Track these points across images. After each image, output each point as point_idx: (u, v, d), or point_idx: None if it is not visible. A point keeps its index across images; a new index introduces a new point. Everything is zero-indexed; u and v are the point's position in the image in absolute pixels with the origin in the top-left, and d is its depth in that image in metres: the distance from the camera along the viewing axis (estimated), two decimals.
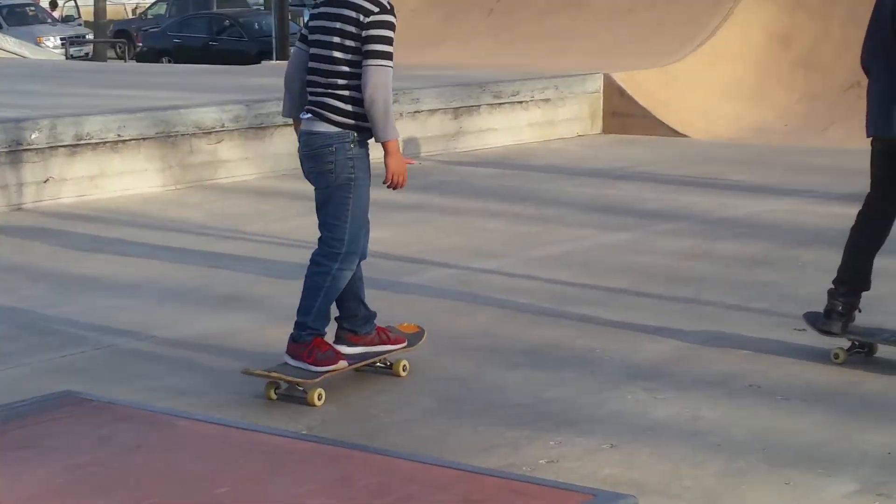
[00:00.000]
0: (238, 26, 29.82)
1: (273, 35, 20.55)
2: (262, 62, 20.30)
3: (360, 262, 5.49)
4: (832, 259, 7.71)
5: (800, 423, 5.07)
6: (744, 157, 12.07)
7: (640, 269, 7.68)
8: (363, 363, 5.59)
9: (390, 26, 5.26)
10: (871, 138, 5.75)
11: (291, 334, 5.41)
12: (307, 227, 8.76)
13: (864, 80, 11.71)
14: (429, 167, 11.65)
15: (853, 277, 5.75)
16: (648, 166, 11.61)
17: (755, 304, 6.82)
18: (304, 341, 5.36)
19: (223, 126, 10.86)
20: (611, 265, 7.75)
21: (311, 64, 5.37)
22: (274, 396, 5.38)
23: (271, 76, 15.35)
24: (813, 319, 5.84)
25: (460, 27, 17.06)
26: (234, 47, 28.37)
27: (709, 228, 8.80)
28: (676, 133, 13.45)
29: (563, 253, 8.18)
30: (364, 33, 5.22)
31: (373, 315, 5.65)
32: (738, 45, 14.98)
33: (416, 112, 12.30)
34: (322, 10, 5.36)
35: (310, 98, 5.38)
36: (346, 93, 5.27)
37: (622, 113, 13.79)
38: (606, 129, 13.77)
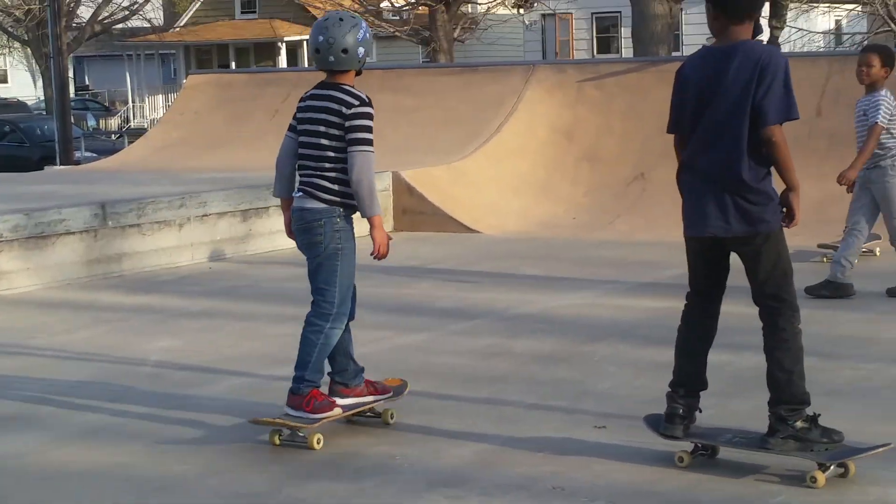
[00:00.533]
0: (19, 132, 29.12)
1: (56, 140, 20.10)
2: (45, 168, 19.78)
3: (348, 322, 6.32)
4: (626, 352, 7.83)
5: None
6: (534, 251, 12.16)
7: (438, 370, 7.58)
8: (354, 412, 6.35)
9: (369, 116, 6.11)
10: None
11: (290, 388, 6.14)
12: (95, 338, 8.53)
13: (648, 173, 12.10)
14: (218, 271, 11.40)
15: (689, 379, 5.70)
16: (441, 263, 11.59)
17: (554, 402, 6.77)
18: (302, 393, 6.10)
19: (1, 236, 10.45)
20: (408, 367, 7.62)
21: (301, 150, 6.16)
22: (277, 442, 6.11)
23: (54, 182, 14.97)
24: (654, 423, 5.76)
25: (246, 128, 16.90)
26: (15, 153, 27.67)
27: (505, 326, 8.77)
28: (467, 229, 13.49)
29: (359, 356, 7.97)
30: (347, 123, 6.04)
31: (361, 369, 6.46)
32: (523, 140, 15.18)
33: (203, 216, 12.06)
34: (308, 103, 6.18)
35: (301, 179, 6.19)
36: (332, 174, 6.10)
37: (412, 210, 13.79)
38: (397, 227, 13.74)
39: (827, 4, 38.00)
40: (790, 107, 5.31)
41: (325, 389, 6.25)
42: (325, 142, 6.08)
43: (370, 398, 6.43)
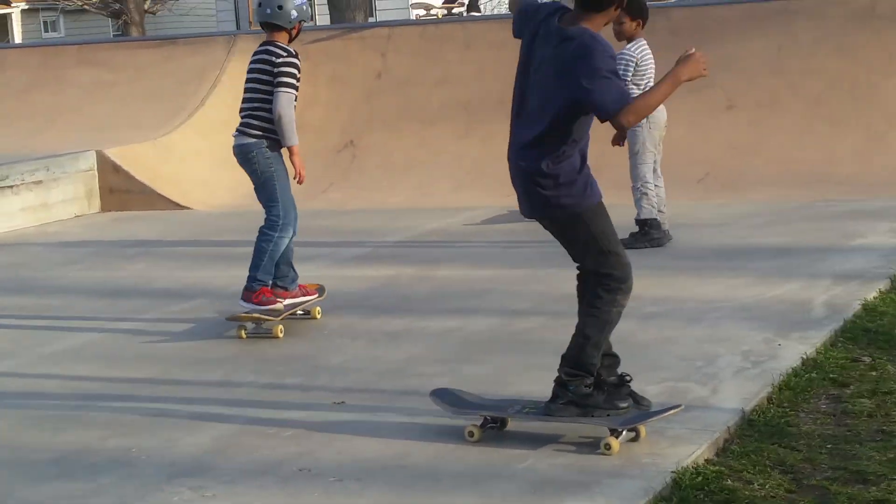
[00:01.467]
0: None
1: None
2: None
3: (292, 236, 7.69)
4: (357, 324, 7.73)
5: (359, 503, 4.91)
6: (248, 225, 11.80)
7: (162, 354, 7.32)
8: (293, 309, 7.71)
9: (294, 66, 7.52)
10: None
11: (244, 286, 7.59)
12: None
13: (357, 140, 11.90)
14: None
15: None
16: (154, 243, 11.24)
17: (289, 380, 6.63)
18: (254, 289, 7.57)
19: None
20: (133, 354, 7.35)
21: (243, 97, 7.67)
22: (244, 335, 7.51)
23: None
24: (445, 398, 5.64)
25: None
26: None
27: (228, 304, 8.47)
28: (178, 206, 13.13)
29: (80, 345, 7.68)
30: (275, 70, 7.49)
31: (296, 276, 7.82)
32: (230, 112, 14.75)
33: None
34: (251, 58, 7.66)
35: (240, 121, 7.68)
36: (260, 114, 7.55)
37: (120, 189, 13.33)
38: (105, 207, 13.26)
39: None
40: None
41: None
42: (258, 87, 7.57)
43: (305, 298, 7.79)
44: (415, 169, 13.45)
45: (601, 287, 5.33)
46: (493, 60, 14.32)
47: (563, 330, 7.15)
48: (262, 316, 7.52)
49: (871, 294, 7.45)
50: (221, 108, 14.81)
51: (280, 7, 7.58)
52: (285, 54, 7.54)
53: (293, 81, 7.53)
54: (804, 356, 6.32)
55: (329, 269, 9.51)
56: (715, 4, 14.60)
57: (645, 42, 9.25)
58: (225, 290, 8.79)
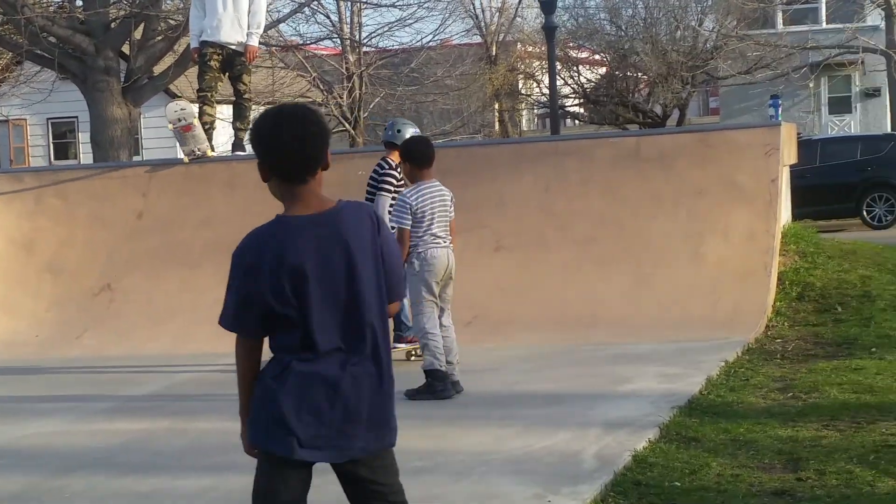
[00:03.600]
0: None
1: None
2: None
3: None
4: (103, 484, 7.17)
5: None
6: None
7: None
8: None
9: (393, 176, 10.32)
10: None
11: None
12: None
13: (115, 283, 11.41)
14: None
15: None
16: None
17: None
18: None
19: None
20: None
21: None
22: None
23: None
24: None
25: None
26: None
27: None
28: None
29: None
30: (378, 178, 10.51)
31: None
32: None
33: None
34: None
35: None
36: None
37: None
38: None
39: None
40: None
41: None
42: (367, 189, 10.69)
43: None
44: (177, 314, 12.91)
45: None
46: (259, 201, 14.02)
47: (327, 488, 6.79)
48: None
49: (641, 444, 7.26)
50: None
51: (399, 131, 10.37)
52: (387, 166, 10.34)
53: (390, 188, 10.20)
54: None
55: (76, 423, 8.91)
56: (484, 145, 14.64)
57: (427, 184, 9.07)
58: None
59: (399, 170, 10.12)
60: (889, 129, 36.06)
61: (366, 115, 35.39)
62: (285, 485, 4.35)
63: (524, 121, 49.69)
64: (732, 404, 8.41)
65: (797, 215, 15.99)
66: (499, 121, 43.71)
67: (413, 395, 8.87)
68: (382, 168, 10.43)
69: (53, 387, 10.45)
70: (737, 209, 12.70)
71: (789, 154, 14.15)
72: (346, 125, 34.57)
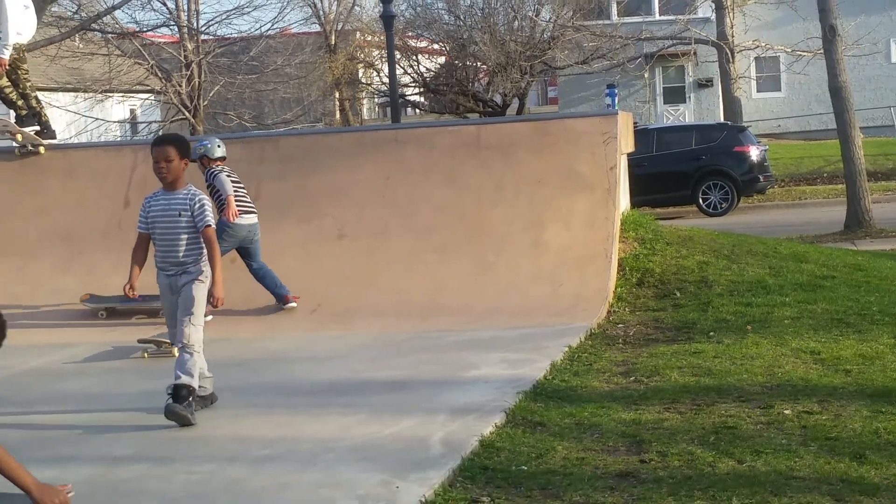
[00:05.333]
0: None
1: None
2: None
3: None
4: None
5: None
6: None
7: None
8: None
9: None
10: None
11: None
12: None
13: None
14: None
15: None
16: None
17: None
18: None
19: None
20: None
21: None
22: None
23: None
24: None
25: None
26: None
27: None
28: None
29: None
30: None
31: None
32: None
33: None
34: None
35: None
36: None
37: None
38: None
39: (121, 94, 37.98)
40: None
41: None
42: None
43: None
44: (13, 305, 12.58)
45: None
46: (97, 189, 13.78)
47: (170, 477, 6.69)
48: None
49: (488, 429, 7.29)
50: None
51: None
52: None
53: None
54: (423, 499, 6.04)
55: None
56: (324, 133, 14.57)
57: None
58: None
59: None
60: (722, 119, 36.91)
61: (206, 103, 34.96)
62: None
63: (365, 110, 49.62)
64: (577, 389, 8.50)
65: (636, 203, 16.26)
66: (340, 110, 43.59)
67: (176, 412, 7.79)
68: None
69: None
70: (577, 197, 12.84)
71: (626, 143, 14.36)
72: (186, 113, 34.10)
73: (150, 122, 39.05)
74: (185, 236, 7.98)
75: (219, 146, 11.94)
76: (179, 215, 7.99)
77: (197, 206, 7.98)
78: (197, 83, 34.28)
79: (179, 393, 7.79)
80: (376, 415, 7.89)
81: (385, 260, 12.65)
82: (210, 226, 7.99)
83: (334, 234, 13.00)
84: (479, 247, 12.59)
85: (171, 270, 8.04)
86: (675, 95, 42.71)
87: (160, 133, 35.97)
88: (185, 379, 7.82)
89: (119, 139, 37.44)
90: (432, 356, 9.86)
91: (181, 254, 8.00)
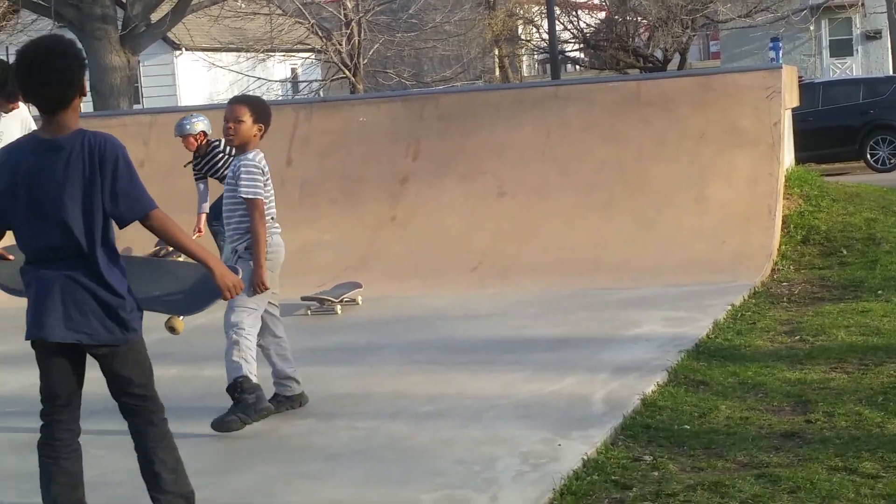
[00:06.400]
0: None
1: None
2: None
3: None
4: (109, 433, 7.14)
5: None
6: (5, 324, 11.16)
7: None
8: None
9: None
10: None
11: None
12: None
13: None
14: None
15: None
16: None
17: (38, 500, 6.02)
18: None
19: None
20: None
21: None
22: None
23: None
24: None
25: None
26: None
27: None
28: None
29: None
30: None
31: None
32: None
33: None
34: None
35: None
36: None
37: None
38: None
39: (282, 54, 38.48)
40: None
41: None
42: None
43: None
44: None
45: (155, 413, 5.13)
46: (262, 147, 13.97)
47: (334, 433, 6.79)
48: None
49: (650, 388, 7.25)
50: None
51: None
52: None
53: None
54: (585, 457, 6.03)
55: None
56: (484, 90, 14.56)
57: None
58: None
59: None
60: (891, 72, 35.95)
61: (365, 61, 35.20)
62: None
63: (524, 67, 49.45)
64: (740, 348, 8.39)
65: (800, 159, 15.95)
66: (499, 67, 43.45)
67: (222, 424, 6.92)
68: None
69: None
70: (739, 152, 12.65)
71: (791, 97, 14.08)
72: (346, 72, 34.38)
73: (311, 82, 39.46)
74: (238, 209, 7.01)
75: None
76: (232, 181, 7.08)
77: (238, 171, 7.01)
78: (357, 41, 34.51)
79: (231, 396, 6.96)
80: (538, 372, 7.90)
81: (545, 217, 12.62)
82: (249, 196, 6.93)
83: (494, 192, 13.01)
84: (639, 203, 12.49)
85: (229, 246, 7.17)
86: (841, 48, 41.67)
87: (321, 93, 36.37)
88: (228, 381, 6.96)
89: (280, 98, 37.94)
90: (593, 314, 9.83)
91: (231, 227, 7.08)
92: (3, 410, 7.93)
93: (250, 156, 7.05)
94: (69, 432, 4.94)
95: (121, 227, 4.89)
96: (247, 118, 7.07)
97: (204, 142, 12.12)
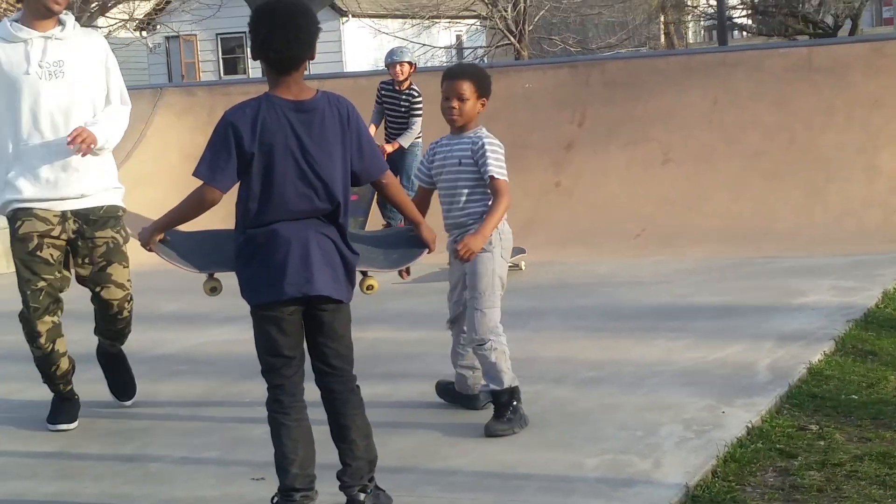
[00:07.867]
0: None
1: None
2: None
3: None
4: None
5: None
6: (174, 285, 11.44)
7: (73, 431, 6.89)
8: None
9: None
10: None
11: None
12: None
13: None
14: None
15: None
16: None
17: (207, 454, 6.22)
18: None
19: None
20: (33, 425, 6.91)
21: None
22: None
23: None
24: None
25: None
26: None
27: (145, 369, 8.08)
28: None
29: None
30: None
31: None
32: (154, 167, 14.49)
33: None
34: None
35: None
36: None
37: None
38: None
39: (448, 20, 38.65)
40: None
41: None
42: None
43: None
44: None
45: (352, 380, 5.23)
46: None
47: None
48: None
49: (816, 357, 7.16)
50: (146, 163, 14.45)
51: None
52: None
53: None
54: (749, 425, 6.00)
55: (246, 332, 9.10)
56: (650, 57, 14.46)
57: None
58: (143, 353, 8.34)
59: None
60: None
61: (531, 28, 35.15)
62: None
63: (690, 33, 48.84)
64: None
65: None
66: (664, 33, 43.01)
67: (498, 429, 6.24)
68: (419, 93, 12.42)
69: (227, 298, 10.68)
70: None
71: None
72: (511, 38, 34.39)
73: (476, 48, 39.56)
74: (466, 190, 6.28)
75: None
76: (460, 164, 6.29)
77: (480, 151, 6.24)
78: (522, 8, 34.47)
79: (499, 402, 6.31)
80: (702, 340, 7.86)
81: (711, 185, 12.51)
82: (496, 177, 6.21)
83: (659, 159, 12.94)
84: (808, 172, 12.29)
85: (453, 233, 6.41)
86: None
87: (485, 59, 36.41)
88: (494, 386, 6.34)
89: (444, 65, 38.11)
90: (759, 282, 9.73)
91: (461, 212, 6.34)
92: (174, 369, 8.18)
93: (484, 132, 6.30)
94: (302, 391, 5.04)
95: (361, 185, 5.07)
96: (470, 94, 6.27)
97: (412, 72, 12.67)
